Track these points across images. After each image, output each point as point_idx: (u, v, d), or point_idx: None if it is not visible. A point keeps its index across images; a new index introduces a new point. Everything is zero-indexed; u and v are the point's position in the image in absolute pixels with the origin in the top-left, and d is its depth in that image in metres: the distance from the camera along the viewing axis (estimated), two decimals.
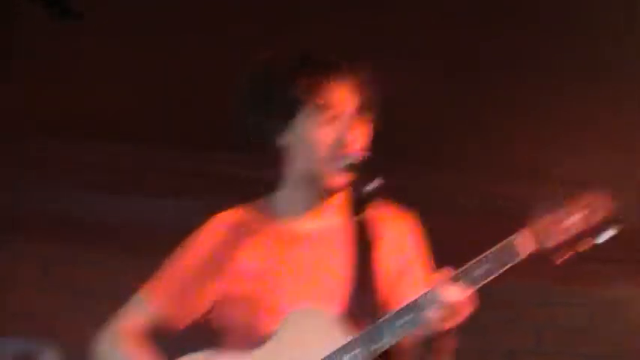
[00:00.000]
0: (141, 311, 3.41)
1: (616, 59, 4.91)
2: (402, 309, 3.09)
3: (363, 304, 3.14)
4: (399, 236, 3.36)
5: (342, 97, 3.27)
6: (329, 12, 4.71)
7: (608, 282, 6.10)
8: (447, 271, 3.06)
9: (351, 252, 3.22)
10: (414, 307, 3.06)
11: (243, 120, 3.35)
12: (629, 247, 5.92)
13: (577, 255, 3.11)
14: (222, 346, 3.40)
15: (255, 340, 3.28)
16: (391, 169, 5.53)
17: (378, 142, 4.55)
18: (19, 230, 5.86)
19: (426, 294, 3.05)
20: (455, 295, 3.01)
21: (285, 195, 3.40)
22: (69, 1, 4.66)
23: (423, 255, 3.39)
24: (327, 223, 3.33)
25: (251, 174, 5.44)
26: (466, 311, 3.04)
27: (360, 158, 3.19)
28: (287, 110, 3.28)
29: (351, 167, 3.19)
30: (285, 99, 3.27)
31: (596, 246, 3.09)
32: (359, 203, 3.22)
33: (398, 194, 5.63)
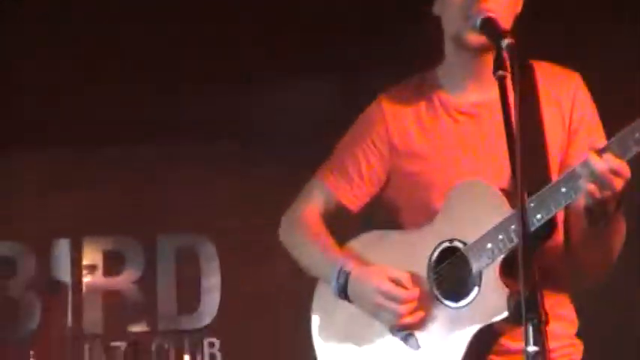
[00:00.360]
0: (319, 194, 3.51)
1: None
2: (560, 179, 3.09)
3: (533, 175, 3.06)
4: (564, 99, 3.32)
5: None
6: None
7: None
8: (599, 141, 3.04)
9: (518, 123, 3.11)
10: (570, 177, 3.05)
11: None
12: None
13: None
14: (398, 223, 3.48)
15: (426, 215, 3.34)
16: None
17: None
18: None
19: (579, 165, 3.02)
20: (608, 165, 2.96)
21: (446, 66, 3.41)
22: None
23: (591, 118, 3.33)
24: (491, 93, 3.25)
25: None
26: (622, 180, 2.99)
27: (488, 17, 3.14)
28: None
29: (484, 27, 3.13)
30: None
31: None
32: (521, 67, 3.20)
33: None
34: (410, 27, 4.19)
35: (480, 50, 3.24)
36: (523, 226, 2.66)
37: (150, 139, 5.77)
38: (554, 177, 3.22)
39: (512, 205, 3.12)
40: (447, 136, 3.36)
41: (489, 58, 3.15)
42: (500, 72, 2.95)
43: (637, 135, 2.97)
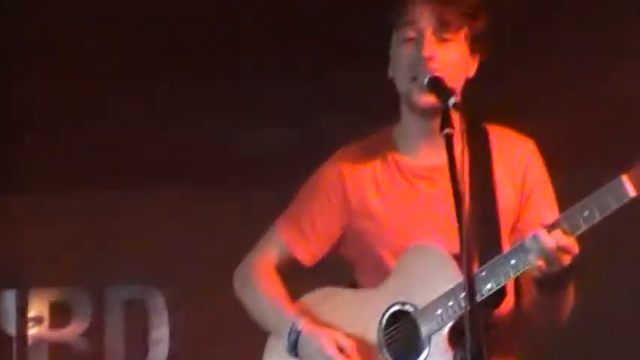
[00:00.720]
0: (274, 246, 3.52)
1: None
2: (510, 251, 3.11)
3: (483, 238, 3.15)
4: (517, 165, 3.34)
5: (423, 15, 3.25)
6: None
7: None
8: (549, 217, 3.05)
9: (469, 186, 3.16)
10: (520, 250, 3.07)
11: None
12: None
13: None
14: (352, 279, 3.50)
15: (379, 275, 3.36)
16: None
17: None
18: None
19: (529, 240, 3.04)
20: (557, 242, 2.99)
21: (401, 126, 3.42)
22: None
23: (544, 185, 3.36)
24: (444, 158, 3.26)
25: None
26: (568, 256, 3.02)
27: (435, 76, 3.16)
28: (386, 37, 3.35)
29: (430, 86, 3.16)
30: (385, 26, 3.34)
31: None
32: (477, 131, 3.23)
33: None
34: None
35: (430, 112, 3.25)
36: (470, 296, 2.70)
37: (95, 187, 5.71)
38: (506, 243, 3.27)
39: (467, 270, 3.12)
40: (403, 198, 3.37)
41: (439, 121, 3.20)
42: (447, 130, 2.98)
43: (586, 213, 3.00)
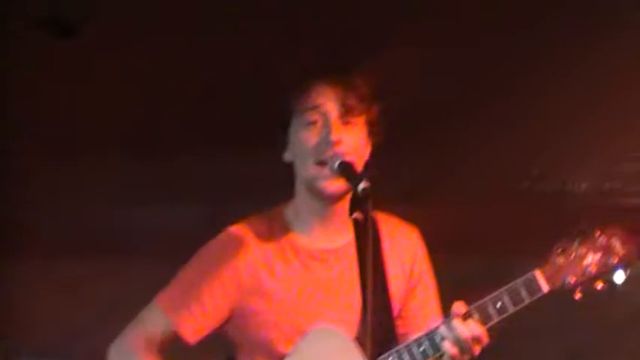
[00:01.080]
0: (156, 322, 3.43)
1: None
2: (418, 338, 3.18)
3: (377, 324, 3.19)
4: (405, 254, 3.41)
5: (327, 99, 3.29)
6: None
7: None
8: (461, 306, 3.11)
9: (362, 272, 3.27)
10: (429, 337, 3.13)
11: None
12: None
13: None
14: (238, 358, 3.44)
15: (266, 356, 3.34)
16: (404, 162, 5.60)
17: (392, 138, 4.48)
18: (35, 245, 5.81)
19: (440, 327, 3.13)
20: (468, 331, 3.07)
21: (295, 208, 3.40)
22: (65, 19, 4.64)
23: (428, 274, 3.45)
24: (338, 241, 3.36)
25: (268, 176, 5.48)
26: (479, 346, 3.11)
27: (345, 161, 3.17)
28: (284, 120, 3.37)
29: (341, 171, 3.15)
30: (281, 109, 3.37)
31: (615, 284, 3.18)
32: (362, 215, 3.25)
33: (414, 186, 5.69)
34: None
35: (334, 198, 3.25)
36: None
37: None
38: (397, 328, 3.31)
39: (369, 355, 3.17)
40: (297, 280, 3.35)
41: (339, 206, 3.20)
42: (356, 214, 3.00)
43: (499, 305, 3.09)
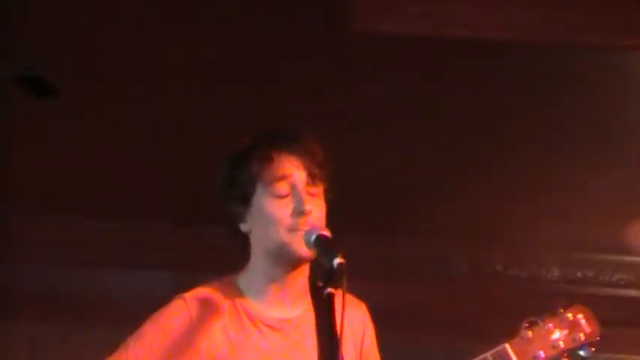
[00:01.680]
0: None
1: (603, 125, 4.98)
2: None
3: None
4: (357, 327, 3.34)
5: (295, 169, 3.24)
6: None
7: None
8: None
9: (315, 342, 3.22)
10: None
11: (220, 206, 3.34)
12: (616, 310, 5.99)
13: None
14: None
15: None
16: (380, 241, 5.62)
17: (364, 213, 4.57)
18: (6, 309, 5.78)
19: None
20: None
21: (249, 277, 3.33)
22: (45, 79, 4.65)
23: (375, 345, 3.39)
24: (294, 310, 3.29)
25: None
26: None
27: (322, 235, 3.17)
28: (243, 191, 3.26)
29: (316, 245, 3.14)
30: (240, 180, 3.26)
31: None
32: (320, 287, 3.22)
33: (388, 266, 5.71)
34: None
35: (302, 263, 3.23)
36: None
37: None
38: None
39: None
40: (253, 347, 3.27)
41: (298, 274, 3.21)
42: (330, 290, 2.96)
43: None
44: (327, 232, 3.14)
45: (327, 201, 3.30)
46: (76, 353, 5.86)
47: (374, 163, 5.08)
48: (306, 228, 3.16)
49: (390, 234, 5.70)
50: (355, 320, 3.32)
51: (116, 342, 5.32)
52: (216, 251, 5.56)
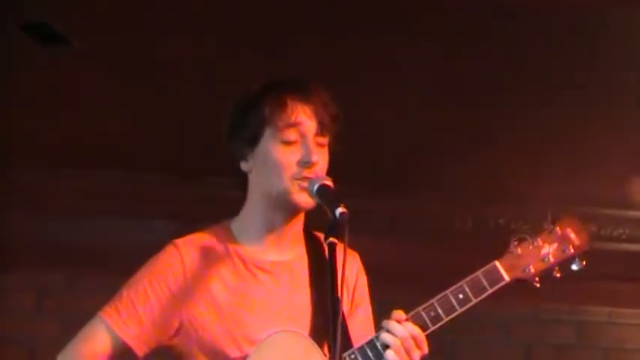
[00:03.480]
0: (102, 333, 3.32)
1: (607, 81, 4.98)
2: (362, 346, 3.15)
3: (328, 336, 3.12)
4: (349, 275, 3.35)
5: (307, 118, 3.26)
6: (312, 36, 4.72)
7: (597, 300, 6.22)
8: (401, 312, 3.14)
9: (310, 285, 3.27)
10: (372, 344, 3.13)
11: (225, 146, 3.36)
12: (618, 265, 6.05)
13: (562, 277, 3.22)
14: None
15: None
16: (385, 195, 5.64)
17: (370, 167, 4.58)
18: (11, 260, 5.79)
19: (383, 332, 3.12)
20: (407, 331, 3.09)
21: (245, 219, 3.37)
22: (55, 27, 4.63)
23: (367, 295, 3.42)
24: (288, 254, 3.33)
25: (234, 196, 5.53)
26: (419, 352, 3.11)
27: (325, 184, 3.17)
28: (251, 133, 3.28)
29: (319, 195, 3.17)
30: (249, 122, 3.28)
31: (572, 272, 3.22)
32: (314, 234, 3.27)
33: (393, 220, 5.74)
34: None
35: (302, 211, 3.26)
36: None
37: None
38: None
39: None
40: (247, 290, 3.30)
41: (296, 220, 3.26)
42: (330, 239, 2.99)
43: (432, 314, 3.11)
44: (330, 182, 3.18)
45: (331, 153, 3.33)
46: (81, 302, 5.88)
47: (379, 120, 5.09)
48: (311, 177, 3.19)
49: (394, 189, 5.73)
50: (348, 269, 3.35)
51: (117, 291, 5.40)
52: (221, 203, 5.62)
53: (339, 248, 3.04)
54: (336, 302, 2.91)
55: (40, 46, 4.72)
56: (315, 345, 3.20)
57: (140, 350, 3.31)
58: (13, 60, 4.86)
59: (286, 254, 3.31)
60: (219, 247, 3.34)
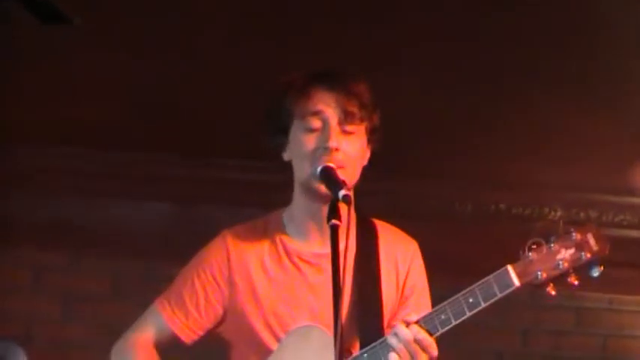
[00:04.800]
0: (154, 324, 3.44)
1: (607, 68, 4.97)
2: (374, 346, 3.16)
3: (365, 330, 3.21)
4: (402, 263, 3.38)
5: (328, 106, 3.28)
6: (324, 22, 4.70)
7: (596, 286, 6.21)
8: (411, 314, 3.15)
9: (356, 277, 3.28)
10: (383, 345, 3.14)
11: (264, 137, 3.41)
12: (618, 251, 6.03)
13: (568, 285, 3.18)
14: (232, 357, 3.44)
15: (258, 356, 3.33)
16: (386, 178, 5.63)
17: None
18: (10, 237, 5.79)
19: (390, 335, 3.12)
20: (412, 335, 3.09)
21: (292, 211, 3.41)
22: (58, 5, 4.60)
23: (422, 286, 3.41)
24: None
25: (243, 178, 5.53)
26: (425, 356, 3.11)
27: (328, 166, 3.19)
28: (282, 123, 3.34)
29: (322, 177, 3.18)
30: (279, 112, 3.33)
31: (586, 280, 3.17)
32: (368, 223, 3.25)
33: (394, 203, 5.73)
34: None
35: (326, 200, 3.25)
36: None
37: None
38: (387, 331, 3.25)
39: (347, 354, 3.19)
40: (288, 281, 3.35)
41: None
42: (334, 221, 2.98)
43: (442, 317, 3.11)
44: (332, 164, 3.17)
45: (371, 142, 3.31)
46: (79, 281, 5.93)
47: (381, 105, 5.08)
48: (321, 163, 3.19)
49: (396, 173, 5.72)
50: (400, 257, 3.36)
51: (120, 270, 5.43)
52: (223, 183, 5.64)
53: (342, 230, 3.05)
54: (337, 288, 2.91)
55: (40, 24, 4.69)
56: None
57: (188, 339, 3.42)
58: (12, 38, 4.84)
59: (329, 246, 3.27)
60: (266, 237, 3.39)
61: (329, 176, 3.17)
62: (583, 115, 5.29)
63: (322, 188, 3.22)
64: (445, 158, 5.67)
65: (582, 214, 5.97)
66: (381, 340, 3.17)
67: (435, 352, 3.13)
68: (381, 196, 5.55)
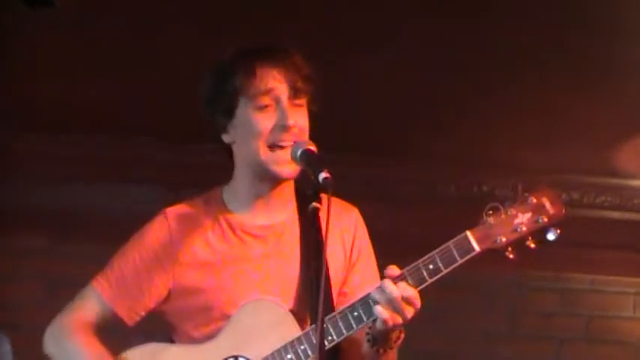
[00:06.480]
0: (93, 303, 3.37)
1: (588, 49, 4.98)
2: (355, 303, 3.15)
3: (311, 299, 3.19)
4: (346, 232, 3.38)
5: (278, 83, 3.27)
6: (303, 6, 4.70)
7: (579, 267, 6.25)
8: (395, 269, 3.12)
9: (300, 248, 3.28)
10: (362, 302, 3.13)
11: (203, 117, 3.37)
12: (600, 233, 6.07)
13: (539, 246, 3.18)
14: (176, 337, 3.40)
15: (204, 332, 3.31)
16: (369, 162, 5.64)
17: (353, 134, 4.58)
18: None
19: (374, 291, 3.10)
20: (402, 293, 3.07)
21: (234, 188, 3.39)
22: None
23: (368, 251, 3.42)
24: (276, 218, 3.34)
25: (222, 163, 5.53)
26: (413, 309, 3.10)
27: (309, 149, 3.18)
28: (225, 104, 3.30)
29: (303, 160, 3.17)
30: (222, 93, 3.30)
31: (547, 242, 3.17)
32: (308, 195, 3.24)
33: (376, 186, 5.74)
34: None
35: (285, 181, 3.26)
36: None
37: None
38: (339, 299, 3.28)
39: (301, 326, 3.19)
40: (234, 254, 3.33)
41: (283, 186, 3.28)
42: (314, 204, 3.00)
43: (431, 267, 3.09)
44: (313, 147, 3.19)
45: (311, 113, 3.33)
46: (61, 266, 5.91)
47: (364, 86, 5.09)
48: (289, 144, 3.19)
49: (378, 155, 5.73)
50: (345, 225, 3.37)
51: (101, 256, 5.44)
52: (205, 168, 5.62)
53: (322, 213, 3.06)
54: (320, 269, 2.92)
55: (27, 8, 4.68)
56: (290, 315, 3.21)
57: (130, 320, 3.36)
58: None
59: (276, 217, 3.33)
60: (208, 214, 3.36)
61: (310, 158, 3.18)
62: (565, 97, 5.31)
63: (290, 171, 3.22)
64: (427, 140, 5.67)
65: (564, 195, 5.98)
66: (362, 297, 3.14)
67: (419, 303, 3.11)
68: (363, 179, 5.57)
